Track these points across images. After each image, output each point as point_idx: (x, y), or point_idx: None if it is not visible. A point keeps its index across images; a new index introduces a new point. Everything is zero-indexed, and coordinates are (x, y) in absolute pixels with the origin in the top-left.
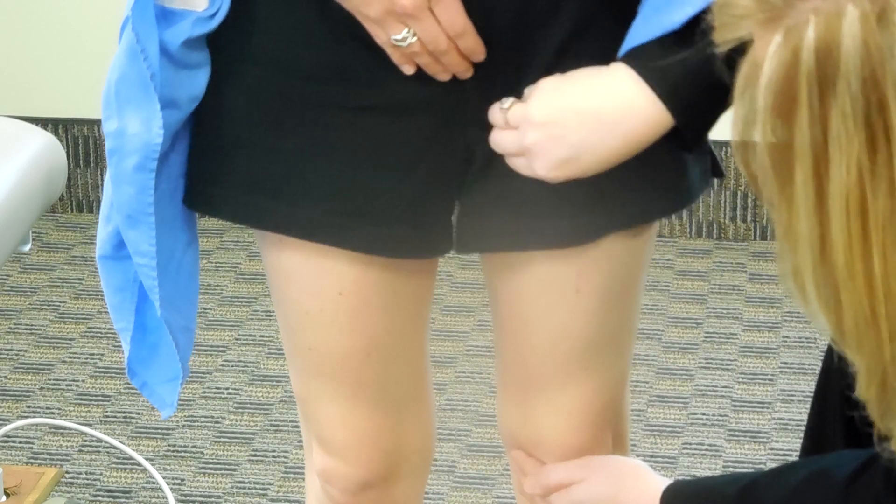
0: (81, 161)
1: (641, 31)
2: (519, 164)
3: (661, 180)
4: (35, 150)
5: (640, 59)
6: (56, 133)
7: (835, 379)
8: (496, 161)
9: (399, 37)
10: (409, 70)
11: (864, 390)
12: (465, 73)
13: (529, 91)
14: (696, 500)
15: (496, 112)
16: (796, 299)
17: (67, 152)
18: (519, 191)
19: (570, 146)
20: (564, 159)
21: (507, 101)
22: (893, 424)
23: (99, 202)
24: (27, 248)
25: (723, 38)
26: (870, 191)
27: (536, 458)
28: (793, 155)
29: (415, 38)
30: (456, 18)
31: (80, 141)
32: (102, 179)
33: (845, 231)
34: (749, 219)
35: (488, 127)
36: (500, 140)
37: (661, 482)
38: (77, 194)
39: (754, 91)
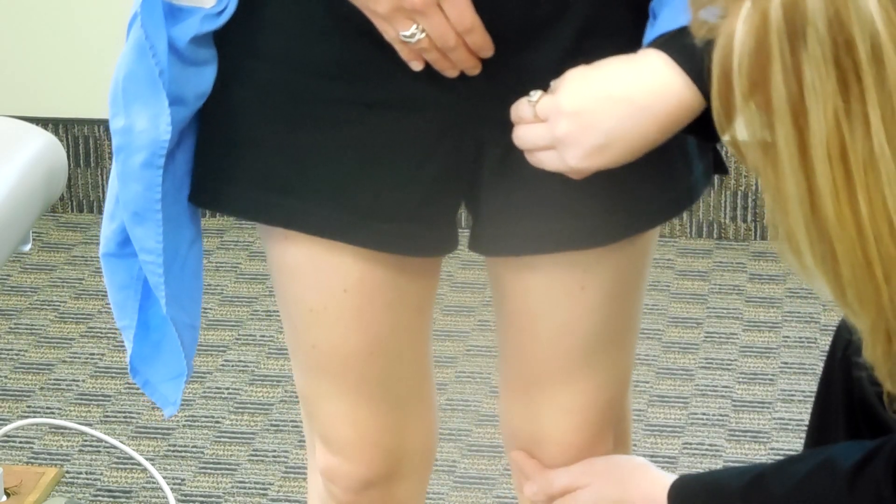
0: (81, 161)
1: (669, 22)
2: (547, 158)
3: (669, 181)
4: (35, 150)
5: (670, 44)
6: (56, 133)
7: (837, 379)
8: (510, 161)
9: (407, 33)
10: (417, 66)
11: (871, 350)
12: (474, 69)
13: (556, 83)
14: (704, 493)
15: (524, 106)
16: (793, 266)
17: (67, 152)
18: (534, 192)
19: (602, 133)
20: (597, 147)
21: (536, 94)
22: None
23: (99, 202)
24: (27, 248)
25: (698, 20)
26: (848, 133)
27: (537, 457)
28: (772, 115)
29: (423, 35)
30: (464, 14)
31: (81, 141)
32: (103, 179)
33: (830, 179)
34: (749, 219)
35: (500, 124)
36: (527, 134)
37: (667, 478)
38: (77, 194)
39: (731, 61)
